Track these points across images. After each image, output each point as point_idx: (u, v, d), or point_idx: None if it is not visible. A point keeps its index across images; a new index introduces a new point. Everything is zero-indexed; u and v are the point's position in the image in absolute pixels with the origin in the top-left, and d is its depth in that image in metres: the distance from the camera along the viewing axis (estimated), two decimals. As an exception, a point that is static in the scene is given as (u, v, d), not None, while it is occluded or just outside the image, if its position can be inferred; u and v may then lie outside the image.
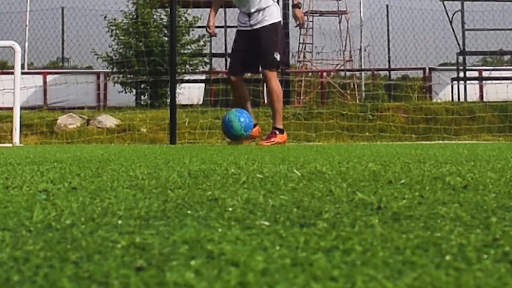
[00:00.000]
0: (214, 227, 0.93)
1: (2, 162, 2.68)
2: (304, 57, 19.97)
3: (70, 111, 10.36)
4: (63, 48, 16.58)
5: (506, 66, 16.27)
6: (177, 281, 0.61)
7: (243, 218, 1.02)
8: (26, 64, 14.73)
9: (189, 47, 12.68)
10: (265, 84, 5.95)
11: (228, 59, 6.01)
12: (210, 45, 13.69)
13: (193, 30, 12.96)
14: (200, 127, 9.03)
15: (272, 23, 5.77)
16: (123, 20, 12.48)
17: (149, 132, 9.37)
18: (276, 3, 5.87)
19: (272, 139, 5.76)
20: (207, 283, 0.60)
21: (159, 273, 0.64)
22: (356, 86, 16.16)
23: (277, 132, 5.85)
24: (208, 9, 6.34)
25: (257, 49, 5.69)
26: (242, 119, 5.50)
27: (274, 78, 5.75)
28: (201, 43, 12.81)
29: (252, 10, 5.70)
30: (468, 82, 12.48)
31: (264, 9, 5.73)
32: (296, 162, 2.53)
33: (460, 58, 12.65)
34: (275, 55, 5.71)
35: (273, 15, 5.78)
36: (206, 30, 6.20)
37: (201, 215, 1.05)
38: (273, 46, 5.75)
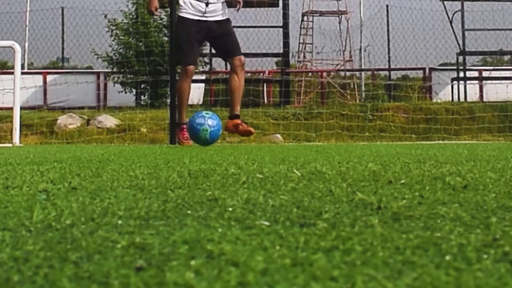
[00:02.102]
0: (214, 227, 0.93)
1: (2, 162, 2.68)
2: (304, 57, 19.99)
3: (70, 111, 10.36)
4: (63, 48, 16.59)
5: (506, 66, 16.26)
6: (177, 281, 0.61)
7: (243, 218, 1.02)
8: (26, 64, 14.73)
9: (189, 47, 12.67)
10: (235, 71, 5.65)
11: (185, 47, 5.67)
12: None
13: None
14: (200, 127, 9.01)
15: (229, 19, 5.77)
16: (123, 20, 12.49)
17: (149, 132, 9.37)
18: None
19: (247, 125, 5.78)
20: (207, 283, 0.60)
21: (159, 273, 0.64)
22: (356, 86, 16.16)
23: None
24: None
25: (223, 38, 5.62)
26: (211, 130, 5.28)
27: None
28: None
29: (212, 1, 5.58)
30: (468, 82, 12.48)
31: (223, 3, 5.68)
32: (296, 162, 2.53)
33: (460, 58, 12.64)
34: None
35: (226, 10, 5.75)
36: (148, 10, 5.86)
37: (201, 215, 1.05)
38: (236, 39, 5.81)
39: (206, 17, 5.60)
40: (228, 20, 5.74)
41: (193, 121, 5.36)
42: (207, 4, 5.60)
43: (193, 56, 5.72)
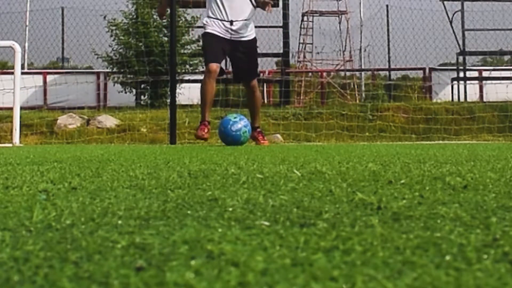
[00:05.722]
0: (214, 227, 0.93)
1: (2, 162, 2.68)
2: (304, 57, 19.97)
3: (70, 111, 10.36)
4: (63, 48, 16.59)
5: (506, 66, 16.26)
6: (177, 281, 0.61)
7: (243, 218, 1.02)
8: (26, 64, 14.73)
9: (189, 47, 12.69)
10: (250, 92, 5.95)
11: (207, 50, 5.81)
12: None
13: (193, 30, 12.96)
14: (200, 127, 9.01)
15: (255, 38, 5.88)
16: (123, 20, 12.49)
17: (149, 132, 9.37)
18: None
19: (265, 138, 6.11)
20: (207, 283, 0.60)
21: (159, 273, 0.64)
22: (356, 86, 16.16)
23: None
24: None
25: (243, 60, 5.73)
26: (248, 128, 5.50)
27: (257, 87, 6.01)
28: (201, 43, 12.79)
29: (237, 19, 5.64)
30: (468, 82, 12.48)
31: (248, 21, 5.73)
32: (296, 162, 2.53)
33: (460, 58, 12.65)
34: (258, 68, 6.02)
35: (254, 29, 5.86)
36: (157, 12, 5.90)
37: (201, 215, 1.05)
38: (257, 59, 5.99)
39: (231, 36, 5.67)
40: (254, 40, 5.83)
41: (229, 130, 5.45)
42: (231, 22, 5.64)
43: (215, 55, 5.66)
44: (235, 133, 5.42)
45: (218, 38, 5.65)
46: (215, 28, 5.67)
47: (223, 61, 6.16)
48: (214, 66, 5.56)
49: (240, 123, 5.46)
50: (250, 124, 5.71)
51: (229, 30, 5.65)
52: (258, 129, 6.01)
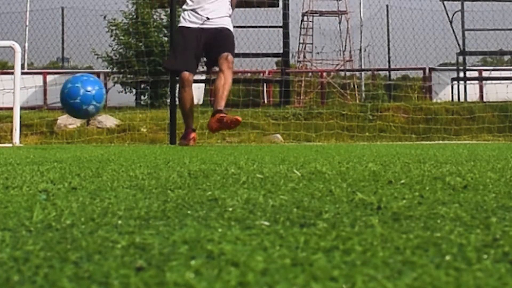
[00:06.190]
0: (214, 227, 0.93)
1: (2, 162, 2.68)
2: (304, 57, 19.98)
3: (70, 111, 10.34)
4: (63, 48, 16.60)
5: (506, 66, 16.27)
6: (177, 281, 0.61)
7: (243, 218, 1.02)
8: (26, 64, 14.73)
9: (189, 47, 12.68)
10: (222, 70, 5.36)
11: (178, 54, 5.52)
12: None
13: (192, 30, 12.94)
14: (200, 127, 9.02)
15: (232, 31, 5.67)
16: (123, 20, 12.49)
17: (149, 132, 9.36)
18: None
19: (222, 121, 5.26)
20: (207, 283, 0.60)
21: (159, 273, 0.64)
22: (356, 86, 16.17)
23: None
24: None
25: (216, 42, 5.42)
26: (86, 90, 4.64)
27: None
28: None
29: (211, 8, 5.52)
30: (468, 82, 12.48)
31: (225, 15, 5.64)
32: (296, 162, 2.53)
33: (460, 58, 12.65)
34: (234, 51, 5.60)
35: (231, 25, 5.70)
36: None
37: (201, 215, 1.05)
38: (233, 43, 5.64)
39: (205, 24, 5.52)
40: (229, 30, 5.60)
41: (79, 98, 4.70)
42: (208, 19, 5.55)
43: (187, 62, 5.46)
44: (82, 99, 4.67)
45: (191, 35, 5.50)
46: (191, 19, 5.56)
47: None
48: (187, 74, 5.43)
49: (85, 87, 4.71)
50: (213, 106, 5.27)
51: (204, 18, 5.52)
52: (221, 112, 5.19)
